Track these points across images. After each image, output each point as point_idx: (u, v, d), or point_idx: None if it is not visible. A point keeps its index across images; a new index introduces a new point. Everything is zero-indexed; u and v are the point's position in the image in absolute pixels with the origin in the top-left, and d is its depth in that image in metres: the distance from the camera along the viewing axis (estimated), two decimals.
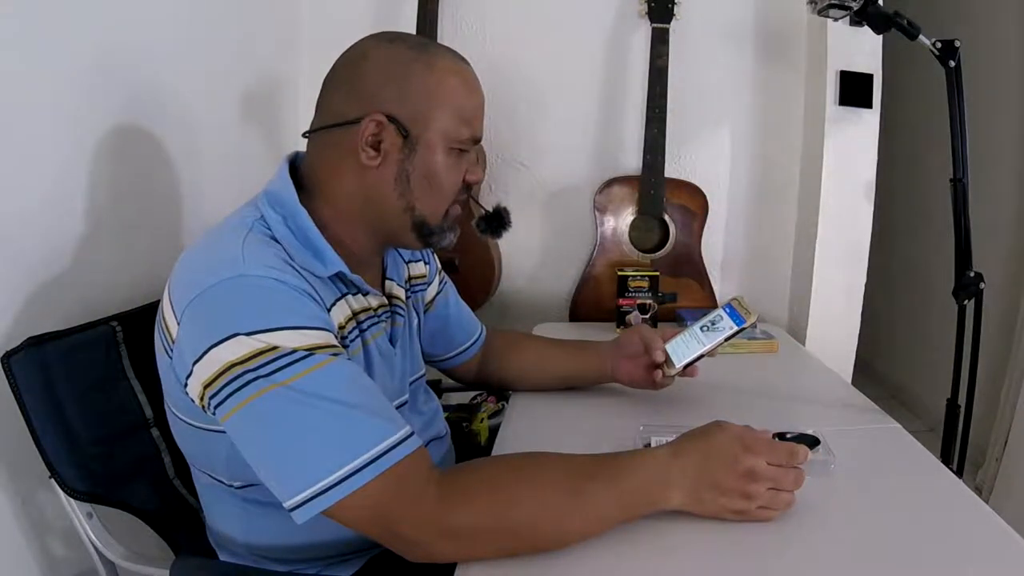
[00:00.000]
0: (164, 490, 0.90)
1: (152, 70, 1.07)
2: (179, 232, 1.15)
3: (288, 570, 0.77)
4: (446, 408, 1.23)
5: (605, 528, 0.65)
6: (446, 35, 1.56)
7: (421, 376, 0.94)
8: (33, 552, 0.87)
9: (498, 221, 0.93)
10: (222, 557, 0.81)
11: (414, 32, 1.46)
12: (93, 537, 0.81)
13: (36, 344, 0.77)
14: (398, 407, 0.83)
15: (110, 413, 0.85)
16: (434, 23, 1.49)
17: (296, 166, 0.78)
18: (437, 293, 1.02)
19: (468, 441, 1.16)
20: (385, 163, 0.73)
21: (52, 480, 0.77)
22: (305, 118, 1.75)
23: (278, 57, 1.53)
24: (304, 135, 0.77)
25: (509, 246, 1.65)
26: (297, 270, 0.67)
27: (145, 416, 0.89)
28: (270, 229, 0.70)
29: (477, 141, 0.80)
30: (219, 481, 0.74)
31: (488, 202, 1.62)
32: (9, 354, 0.75)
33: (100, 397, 0.84)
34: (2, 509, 0.83)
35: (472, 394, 1.35)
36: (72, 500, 0.79)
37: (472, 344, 1.07)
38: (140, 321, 0.90)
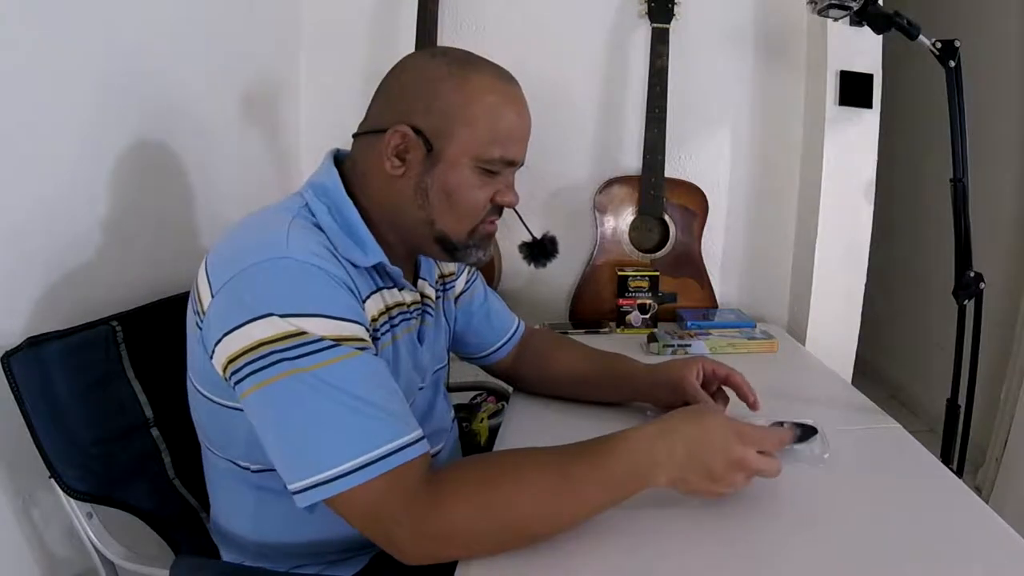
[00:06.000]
0: (164, 490, 0.90)
1: (152, 71, 1.07)
2: (178, 232, 1.15)
3: (288, 569, 0.77)
4: None
5: (595, 511, 0.66)
6: (446, 35, 1.55)
7: (441, 368, 0.95)
8: (33, 552, 0.87)
9: (541, 250, 0.92)
10: (224, 554, 0.81)
11: (414, 33, 1.46)
12: (93, 537, 0.81)
13: (36, 344, 0.77)
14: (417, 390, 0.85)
15: (110, 413, 0.85)
16: (434, 23, 1.48)
17: (340, 161, 0.80)
18: (463, 291, 1.02)
19: (468, 441, 1.16)
20: (407, 174, 0.74)
21: (52, 480, 0.77)
22: (306, 118, 1.74)
23: (278, 57, 1.53)
24: (353, 136, 0.80)
25: (509, 246, 1.65)
26: (339, 259, 0.69)
27: (145, 416, 0.89)
28: (315, 217, 0.72)
29: (512, 164, 0.78)
30: (236, 464, 0.75)
31: None
32: (9, 354, 0.75)
33: (100, 397, 0.84)
34: (2, 509, 0.83)
35: (472, 394, 1.35)
36: (72, 500, 0.79)
37: (504, 344, 1.05)
38: (140, 321, 0.90)
